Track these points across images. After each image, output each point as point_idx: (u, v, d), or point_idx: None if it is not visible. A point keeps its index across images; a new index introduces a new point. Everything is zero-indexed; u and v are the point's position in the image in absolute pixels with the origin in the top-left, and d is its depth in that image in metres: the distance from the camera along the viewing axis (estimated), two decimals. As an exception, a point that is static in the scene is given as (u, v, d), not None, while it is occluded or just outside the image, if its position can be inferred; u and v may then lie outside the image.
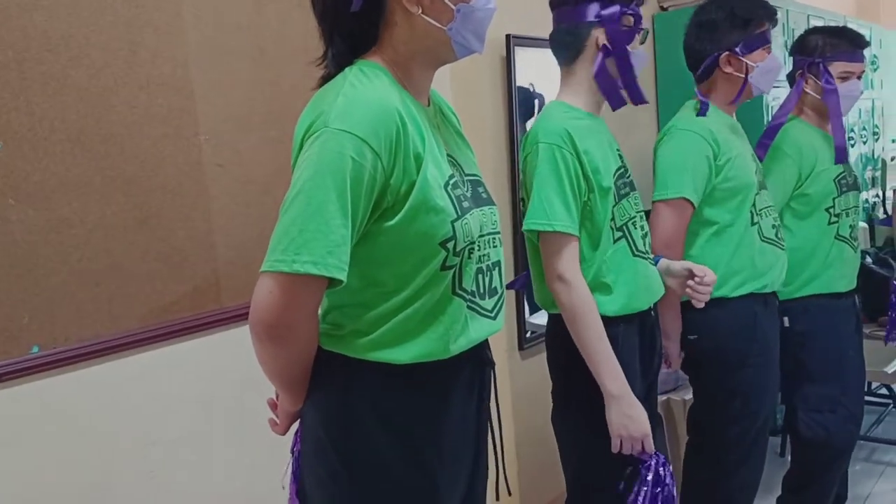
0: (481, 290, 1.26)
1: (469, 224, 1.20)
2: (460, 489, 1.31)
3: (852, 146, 3.72)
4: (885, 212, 3.80)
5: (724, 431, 2.11)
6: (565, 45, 1.75)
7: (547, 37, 1.79)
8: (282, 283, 1.09)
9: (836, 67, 2.32)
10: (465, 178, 1.27)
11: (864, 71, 2.39)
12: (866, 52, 2.42)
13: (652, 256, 1.84)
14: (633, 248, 1.75)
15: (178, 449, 1.76)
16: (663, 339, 2.00)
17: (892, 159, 4.28)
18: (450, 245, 1.17)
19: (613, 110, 1.77)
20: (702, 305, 1.80)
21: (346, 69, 1.18)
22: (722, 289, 2.00)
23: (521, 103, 2.64)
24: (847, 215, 2.35)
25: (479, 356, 1.31)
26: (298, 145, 1.14)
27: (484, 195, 1.30)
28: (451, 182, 1.20)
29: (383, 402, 1.21)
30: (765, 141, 2.29)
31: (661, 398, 2.66)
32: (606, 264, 1.71)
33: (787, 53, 2.85)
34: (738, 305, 2.06)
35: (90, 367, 1.62)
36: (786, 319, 2.29)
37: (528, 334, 2.69)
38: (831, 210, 2.32)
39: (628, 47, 1.70)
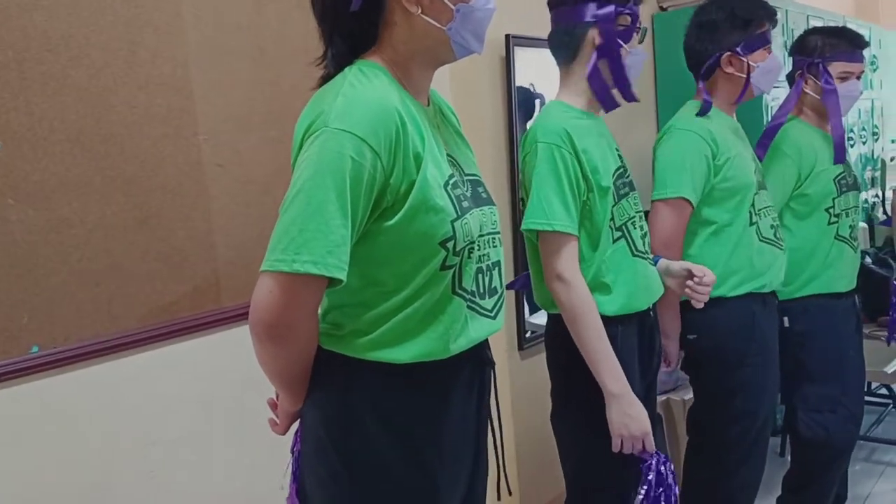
0: (481, 290, 1.26)
1: (469, 224, 1.20)
2: (460, 489, 1.31)
3: (852, 146, 3.72)
4: (885, 212, 3.80)
5: (725, 431, 2.11)
6: (563, 45, 1.75)
7: (546, 37, 1.79)
8: (282, 283, 1.09)
9: (836, 68, 2.32)
10: (465, 178, 1.27)
11: (863, 71, 2.39)
12: (865, 52, 2.43)
13: (651, 256, 1.85)
14: (633, 248, 1.75)
15: (177, 449, 1.76)
16: (662, 338, 2.00)
17: (892, 159, 4.28)
18: (449, 245, 1.17)
19: (605, 112, 1.77)
20: (701, 306, 1.81)
21: (346, 69, 1.18)
22: (720, 288, 2.01)
23: (522, 103, 2.64)
24: (847, 215, 2.35)
25: (479, 356, 1.31)
26: (298, 145, 1.14)
27: (484, 195, 1.30)
28: (451, 182, 1.21)
29: (383, 402, 1.21)
30: (764, 141, 2.29)
31: (661, 398, 2.66)
32: (606, 264, 1.71)
33: (786, 54, 2.85)
34: (736, 305, 2.06)
35: (90, 367, 1.62)
36: (786, 319, 2.30)
37: (527, 334, 2.70)
38: (831, 210, 2.32)
39: (626, 46, 1.70)
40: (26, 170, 1.53)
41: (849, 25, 2.95)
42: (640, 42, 1.75)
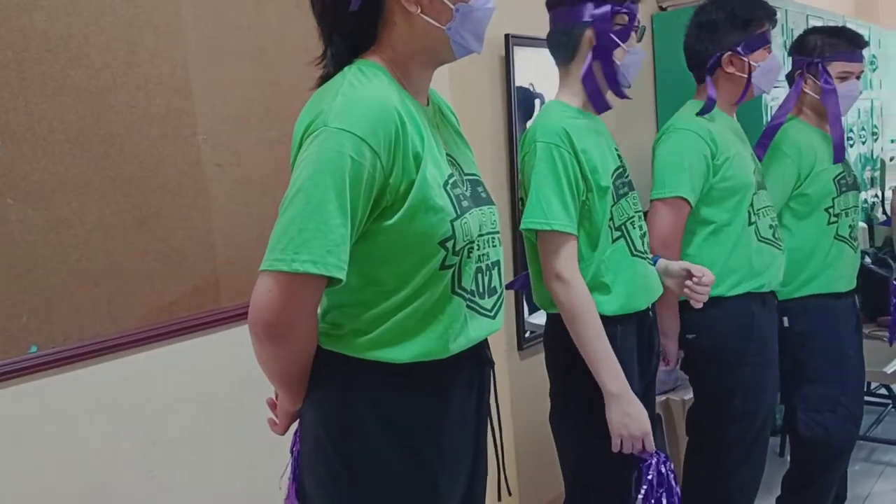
0: (481, 290, 1.26)
1: (468, 223, 1.20)
2: (460, 489, 1.31)
3: (851, 146, 3.72)
4: (885, 212, 3.80)
5: (724, 431, 2.11)
6: (561, 45, 1.76)
7: (545, 37, 1.79)
8: (281, 283, 1.09)
9: (835, 67, 2.32)
10: (465, 178, 1.27)
11: (862, 71, 2.39)
12: (865, 52, 2.43)
13: (650, 256, 1.85)
14: (632, 248, 1.75)
15: (177, 449, 1.76)
16: (661, 337, 2.00)
17: (891, 159, 4.28)
18: (449, 244, 1.17)
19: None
20: (700, 306, 1.81)
21: (345, 69, 1.18)
22: (719, 288, 2.01)
23: (521, 103, 2.65)
24: (846, 215, 2.35)
25: (479, 356, 1.31)
26: (297, 144, 1.14)
27: (483, 195, 1.30)
28: (451, 181, 1.21)
29: (383, 402, 1.21)
30: (764, 141, 2.29)
31: (661, 398, 2.67)
32: (605, 264, 1.71)
33: (786, 53, 2.85)
34: (735, 305, 2.06)
35: (89, 367, 1.62)
36: (785, 319, 2.30)
37: (527, 334, 2.70)
38: (831, 210, 2.32)
39: (624, 45, 1.70)
40: (25, 170, 1.53)
41: (848, 25, 2.95)
42: (639, 41, 1.75)
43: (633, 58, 1.74)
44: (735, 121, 2.20)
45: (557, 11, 1.75)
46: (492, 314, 1.29)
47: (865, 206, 3.78)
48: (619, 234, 1.73)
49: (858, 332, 2.47)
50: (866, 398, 2.79)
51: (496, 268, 1.30)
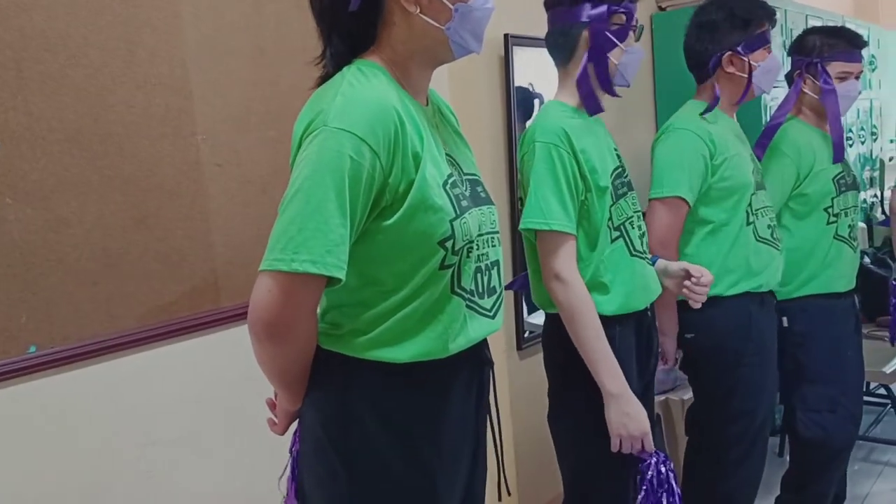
0: (480, 290, 1.26)
1: (468, 223, 1.20)
2: (459, 489, 1.31)
3: (850, 146, 3.72)
4: (884, 212, 3.80)
5: (723, 430, 2.11)
6: (559, 46, 1.76)
7: (544, 37, 1.79)
8: (280, 282, 1.09)
9: (834, 67, 2.32)
10: (464, 178, 1.27)
11: (861, 71, 2.40)
12: (864, 52, 2.43)
13: (649, 256, 1.85)
14: (631, 248, 1.75)
15: (176, 449, 1.76)
16: (660, 336, 2.01)
17: (891, 159, 4.28)
18: (448, 244, 1.17)
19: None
20: (698, 306, 1.81)
21: (345, 68, 1.18)
22: (717, 287, 2.01)
23: (521, 103, 2.65)
24: (846, 215, 2.36)
25: (478, 355, 1.31)
26: (297, 144, 1.14)
27: (482, 194, 1.30)
28: (450, 181, 1.20)
29: (382, 402, 1.20)
30: (763, 141, 2.30)
31: (660, 398, 2.67)
32: (604, 264, 1.71)
33: (785, 53, 2.85)
34: (733, 304, 2.06)
35: (88, 367, 1.62)
36: (784, 319, 2.30)
37: (526, 334, 2.70)
38: (830, 210, 2.32)
39: (622, 45, 1.70)
40: (24, 169, 1.53)
41: (847, 25, 2.96)
42: (637, 40, 1.75)
43: (632, 57, 1.74)
44: (735, 121, 2.20)
45: (555, 12, 1.75)
46: (491, 314, 1.29)
47: (864, 206, 3.78)
48: (617, 234, 1.73)
49: (858, 332, 2.47)
50: (865, 398, 2.79)
51: (495, 267, 1.30)
